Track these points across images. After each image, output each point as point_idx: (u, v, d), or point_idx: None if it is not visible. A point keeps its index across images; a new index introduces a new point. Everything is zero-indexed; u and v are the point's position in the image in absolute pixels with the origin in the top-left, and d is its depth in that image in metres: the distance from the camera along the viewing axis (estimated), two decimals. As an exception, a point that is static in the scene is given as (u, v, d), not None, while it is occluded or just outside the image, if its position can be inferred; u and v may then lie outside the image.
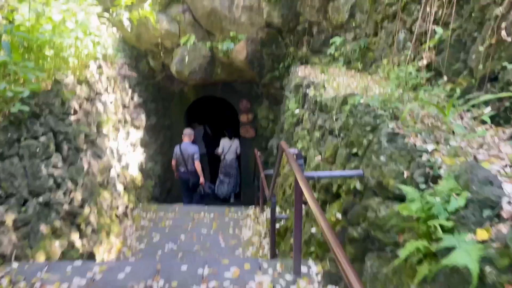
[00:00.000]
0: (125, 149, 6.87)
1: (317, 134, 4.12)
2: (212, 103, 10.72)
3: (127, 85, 7.32)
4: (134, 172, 7.19)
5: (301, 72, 6.29)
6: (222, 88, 8.90)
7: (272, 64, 7.49)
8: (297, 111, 5.45)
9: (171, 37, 7.27)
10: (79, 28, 4.82)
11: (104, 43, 6.16)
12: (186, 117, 9.40)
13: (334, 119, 3.55)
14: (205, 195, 8.08)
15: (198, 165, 7.18)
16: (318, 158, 3.94)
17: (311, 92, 4.66)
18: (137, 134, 7.55)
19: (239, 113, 9.03)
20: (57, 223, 3.98)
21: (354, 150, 2.86)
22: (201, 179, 7.40)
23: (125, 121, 6.98)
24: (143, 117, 7.60)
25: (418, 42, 3.71)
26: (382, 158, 2.35)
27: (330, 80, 4.64)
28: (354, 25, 6.09)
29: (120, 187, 6.24)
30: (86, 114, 5.20)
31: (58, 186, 4.18)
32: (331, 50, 5.21)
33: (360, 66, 5.60)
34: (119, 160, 6.52)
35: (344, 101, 3.46)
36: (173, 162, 7.53)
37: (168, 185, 9.43)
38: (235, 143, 9.16)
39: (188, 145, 7.33)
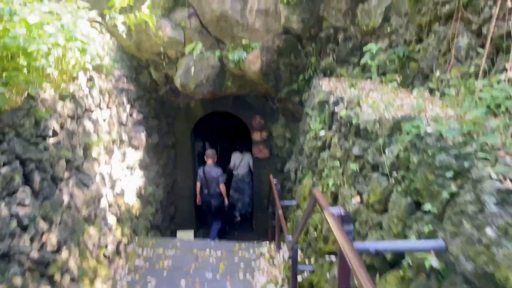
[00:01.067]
0: (120, 174, 6.10)
1: (352, 166, 3.25)
2: (222, 119, 9.95)
3: (124, 100, 6.60)
4: (131, 200, 6.40)
5: (325, 85, 5.46)
6: (233, 103, 8.11)
7: (290, 76, 6.69)
8: (322, 133, 4.60)
9: (175, 45, 6.55)
10: (61, 33, 4.10)
11: (97, 51, 5.45)
12: (192, 135, 8.62)
13: (382, 151, 2.68)
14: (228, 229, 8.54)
15: (223, 188, 7.41)
16: (357, 200, 3.06)
17: (341, 111, 3.81)
18: (136, 155, 6.78)
19: (252, 130, 8.22)
20: (18, 280, 3.16)
21: (424, 204, 1.99)
22: (226, 202, 7.67)
23: (121, 141, 6.23)
24: (143, 135, 6.84)
25: (493, 48, 2.85)
26: (489, 231, 1.47)
27: (362, 96, 3.80)
28: (389, 30, 5.27)
29: (111, 220, 5.43)
30: (70, 135, 4.44)
31: (24, 229, 3.39)
32: (365, 59, 4.37)
33: (398, 79, 4.74)
34: (112, 186, 5.74)
35: (397, 126, 2.60)
36: (198, 185, 7.64)
37: (172, 211, 8.62)
38: (246, 156, 8.92)
39: (211, 167, 7.46)
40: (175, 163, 8.49)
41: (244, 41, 6.38)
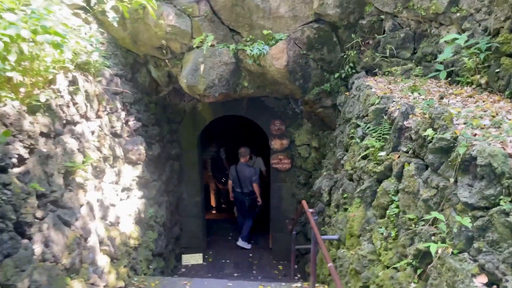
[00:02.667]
0: (114, 198, 5.05)
1: (464, 221, 2.18)
2: (233, 122, 8.91)
3: (119, 105, 5.52)
4: (128, 228, 5.36)
5: (374, 86, 4.38)
6: (248, 105, 7.04)
7: (322, 74, 5.60)
8: (382, 154, 3.53)
9: (180, 36, 5.46)
10: (29, 22, 3.03)
11: (81, 46, 4.39)
12: (200, 142, 7.56)
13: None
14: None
15: (256, 187, 7.63)
16: (482, 280, 1.99)
17: (428, 131, 2.73)
18: (134, 172, 5.72)
19: (270, 137, 7.15)
20: None
21: None
22: (259, 200, 7.84)
23: (115, 157, 5.17)
24: (142, 147, 5.77)
25: None
26: None
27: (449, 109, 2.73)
28: (458, 15, 4.19)
29: (103, 261, 4.39)
30: (43, 161, 3.38)
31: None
32: (445, 55, 3.29)
33: (482, 81, 3.67)
34: (104, 216, 4.70)
35: None
36: (230, 183, 7.94)
37: (176, 232, 7.57)
38: (258, 162, 8.49)
39: (244, 166, 7.74)
40: (180, 176, 7.44)
41: (265, 32, 5.29)
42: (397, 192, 3.20)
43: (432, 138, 2.67)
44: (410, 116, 3.29)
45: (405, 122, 3.25)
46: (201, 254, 7.76)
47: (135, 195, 5.80)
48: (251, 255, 8.31)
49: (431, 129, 2.72)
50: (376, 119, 3.78)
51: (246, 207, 7.99)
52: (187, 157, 7.38)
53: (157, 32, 5.44)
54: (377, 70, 5.10)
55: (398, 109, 3.56)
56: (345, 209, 4.64)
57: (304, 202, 4.81)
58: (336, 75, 5.46)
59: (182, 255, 7.71)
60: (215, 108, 7.09)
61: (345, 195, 4.68)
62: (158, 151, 6.47)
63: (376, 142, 3.62)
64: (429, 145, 2.69)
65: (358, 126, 4.45)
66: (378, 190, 3.54)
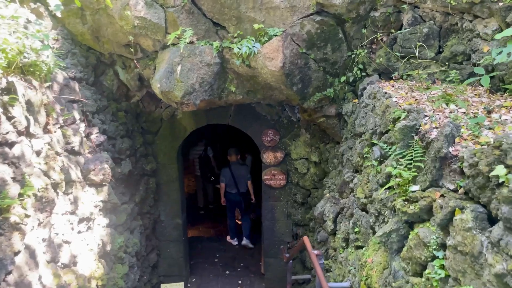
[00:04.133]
0: (69, 233, 4.16)
1: None
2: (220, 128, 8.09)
3: (77, 115, 4.62)
4: (89, 267, 4.46)
5: (393, 94, 3.57)
6: (235, 112, 6.16)
7: (324, 78, 4.77)
8: (414, 189, 2.70)
9: (151, 31, 4.57)
10: None
11: (23, 44, 3.51)
12: (180, 156, 6.66)
13: None
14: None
15: (251, 185, 7.57)
16: None
17: (498, 170, 1.90)
18: (97, 196, 4.82)
19: (262, 149, 6.29)
20: None
21: None
22: (253, 198, 7.74)
23: (71, 181, 4.26)
24: (107, 165, 4.86)
25: None
26: None
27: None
28: (502, 5, 3.40)
29: (49, 320, 3.49)
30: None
31: None
32: (502, 56, 2.48)
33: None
34: (54, 258, 3.81)
35: None
36: (222, 186, 7.69)
37: (153, 259, 6.67)
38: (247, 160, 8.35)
39: (237, 165, 7.64)
40: (157, 195, 6.53)
41: (256, 26, 4.43)
42: (442, 247, 2.37)
43: (507, 181, 1.84)
44: (457, 139, 2.47)
45: (450, 149, 2.43)
46: (182, 283, 6.85)
47: (99, 224, 4.89)
48: (240, 281, 7.47)
49: (503, 166, 1.89)
50: (403, 140, 2.95)
51: (243, 207, 7.88)
52: (165, 172, 6.47)
53: (123, 26, 4.53)
54: (393, 73, 4.28)
55: (436, 128, 2.73)
56: (358, 247, 3.81)
57: (306, 240, 3.96)
58: (342, 78, 4.62)
59: (161, 285, 6.80)
60: (197, 115, 6.20)
61: (357, 229, 3.86)
62: (129, 168, 5.56)
63: (405, 171, 2.79)
64: (503, 191, 1.86)
65: (375, 145, 3.62)
66: (410, 237, 2.71)
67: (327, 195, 5.08)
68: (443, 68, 3.98)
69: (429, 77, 3.98)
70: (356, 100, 4.55)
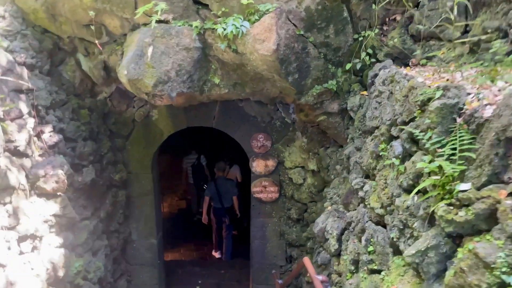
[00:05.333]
0: (4, 254, 3.32)
1: None
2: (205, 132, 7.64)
3: (24, 109, 3.84)
4: (30, 299, 3.60)
5: (416, 76, 2.89)
6: (221, 112, 5.43)
7: (325, 66, 4.09)
8: (464, 187, 1.98)
9: (118, 7, 3.87)
10: None
11: None
12: (155, 164, 5.87)
13: None
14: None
15: (236, 200, 7.41)
16: None
17: None
18: (47, 210, 4.00)
19: (251, 157, 5.54)
20: None
21: None
22: (237, 213, 7.57)
23: (9, 187, 3.45)
24: (61, 171, 4.06)
25: None
26: None
27: None
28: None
29: None
30: None
31: None
32: None
33: None
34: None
35: None
36: (206, 200, 7.51)
37: (123, 286, 5.77)
38: (234, 171, 8.27)
39: (223, 180, 7.56)
40: (127, 210, 5.69)
41: (245, 1, 3.75)
42: (519, 269, 1.64)
43: None
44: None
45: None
46: (157, 316, 5.97)
47: (50, 244, 4.06)
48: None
49: None
50: (442, 124, 2.23)
51: (227, 223, 7.79)
52: (137, 184, 5.66)
53: (83, 1, 3.82)
54: (409, 58, 3.62)
55: (490, 105, 2.03)
56: (373, 271, 3.04)
57: (307, 262, 3.19)
58: (348, 66, 3.94)
59: (131, 318, 5.91)
60: (176, 116, 5.44)
61: (371, 249, 3.10)
62: (91, 177, 4.74)
63: (447, 165, 2.06)
64: None
65: (395, 139, 2.91)
66: (459, 256, 1.96)
67: (329, 208, 4.33)
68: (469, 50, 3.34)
69: (455, 60, 3.32)
70: (365, 92, 3.87)
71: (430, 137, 2.26)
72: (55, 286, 4.08)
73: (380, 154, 3.10)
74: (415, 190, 2.34)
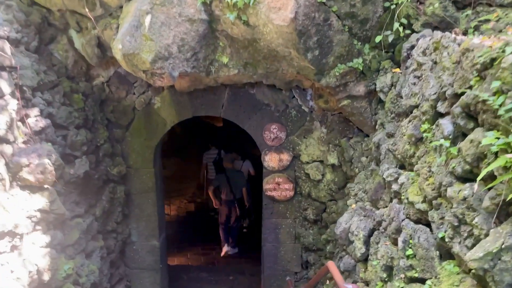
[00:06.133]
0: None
1: None
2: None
3: (6, 88, 3.41)
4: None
5: (473, 40, 2.36)
6: (230, 100, 4.95)
7: (350, 42, 3.59)
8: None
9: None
10: None
11: None
12: (158, 157, 5.41)
13: None
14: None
15: (245, 192, 7.69)
16: None
17: None
18: (31, 204, 3.55)
19: (263, 150, 5.05)
20: None
21: None
22: (246, 203, 7.84)
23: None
24: (48, 161, 3.62)
25: None
26: None
27: None
28: None
29: None
30: None
31: None
32: None
33: None
34: None
35: None
36: (212, 189, 7.86)
37: (121, 291, 5.31)
38: (246, 166, 8.31)
39: (234, 172, 7.71)
40: (127, 209, 5.23)
41: (258, -37, 3.28)
42: None
43: None
44: None
45: None
46: (159, 326, 5.49)
47: (34, 243, 3.60)
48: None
49: None
50: (519, 86, 1.72)
51: (237, 213, 7.96)
52: (137, 179, 5.20)
53: (73, -35, 3.39)
54: (452, 27, 3.10)
55: None
56: (414, 280, 2.52)
57: (332, 266, 2.67)
58: (378, 39, 3.41)
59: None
60: (180, 104, 4.97)
61: (410, 252, 2.58)
62: (85, 169, 4.29)
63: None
64: None
65: (441, 116, 2.39)
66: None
67: (353, 206, 3.80)
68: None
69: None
70: (397, 69, 3.36)
71: (502, 103, 1.74)
72: (39, 293, 3.63)
73: (422, 136, 2.58)
74: (481, 175, 1.81)
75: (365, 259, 3.41)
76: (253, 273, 6.98)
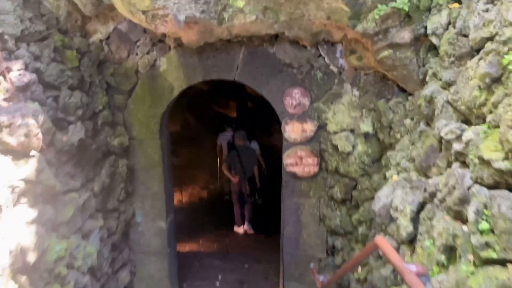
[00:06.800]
0: None
1: None
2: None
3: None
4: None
5: None
6: (246, 61, 4.36)
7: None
8: None
9: None
10: None
11: None
12: (164, 127, 4.87)
13: None
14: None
15: (256, 169, 7.90)
16: None
17: None
18: (14, 173, 3.05)
19: (283, 119, 4.47)
20: None
21: None
22: (258, 182, 8.00)
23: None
24: (33, 122, 3.11)
25: None
26: None
27: None
28: None
29: None
30: None
31: None
32: None
33: None
34: None
35: None
36: (225, 167, 7.91)
37: (125, 279, 4.82)
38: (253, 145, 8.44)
39: (245, 149, 7.86)
40: (130, 185, 4.73)
41: None
42: None
43: None
44: None
45: None
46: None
47: (18, 218, 3.11)
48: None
49: None
50: None
51: (248, 191, 8.06)
52: (141, 152, 4.68)
53: None
54: None
55: None
56: (490, 262, 1.93)
57: (383, 243, 2.08)
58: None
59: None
60: (189, 66, 4.41)
61: (485, 226, 1.98)
62: (79, 137, 3.78)
63: None
64: None
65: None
66: None
67: (394, 177, 3.20)
68: None
69: None
70: (456, 4, 2.72)
71: None
72: (27, 274, 3.15)
73: (501, 75, 1.97)
74: None
75: (411, 240, 2.82)
76: (271, 260, 6.46)
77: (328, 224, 4.63)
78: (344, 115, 4.18)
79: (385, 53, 3.26)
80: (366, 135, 4.05)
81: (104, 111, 4.26)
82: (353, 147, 4.19)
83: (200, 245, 8.18)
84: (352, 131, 4.20)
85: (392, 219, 3.04)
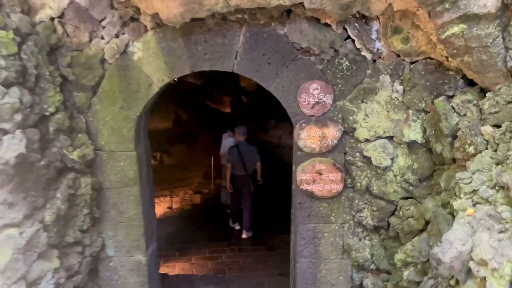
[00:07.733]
0: None
1: None
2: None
3: None
4: None
5: None
6: (247, 46, 3.36)
7: None
8: None
9: None
10: None
11: None
12: (140, 133, 3.86)
13: None
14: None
15: (259, 166, 7.70)
16: None
17: None
18: None
19: (298, 123, 3.48)
20: None
21: None
22: (259, 178, 7.81)
23: None
24: None
25: None
26: None
27: None
28: None
29: None
30: None
31: None
32: None
33: None
34: None
35: None
36: (228, 166, 7.74)
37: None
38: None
39: (245, 145, 7.64)
40: (97, 210, 3.71)
41: None
42: None
43: None
44: None
45: None
46: None
47: None
48: None
49: None
50: None
51: (249, 191, 7.87)
52: (112, 167, 3.65)
53: None
54: None
55: None
56: None
57: None
58: None
59: None
60: (173, 53, 3.39)
61: None
62: (19, 151, 2.75)
63: None
64: None
65: None
66: None
67: (470, 212, 2.23)
68: None
69: None
70: None
71: None
72: None
73: None
74: None
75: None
76: (276, 283, 5.54)
77: (354, 256, 3.66)
78: (381, 118, 3.18)
79: (455, 29, 2.26)
80: (410, 144, 3.07)
81: (57, 114, 3.22)
82: (392, 160, 3.20)
83: (193, 264, 7.27)
84: (390, 138, 3.22)
85: (471, 275, 2.08)
